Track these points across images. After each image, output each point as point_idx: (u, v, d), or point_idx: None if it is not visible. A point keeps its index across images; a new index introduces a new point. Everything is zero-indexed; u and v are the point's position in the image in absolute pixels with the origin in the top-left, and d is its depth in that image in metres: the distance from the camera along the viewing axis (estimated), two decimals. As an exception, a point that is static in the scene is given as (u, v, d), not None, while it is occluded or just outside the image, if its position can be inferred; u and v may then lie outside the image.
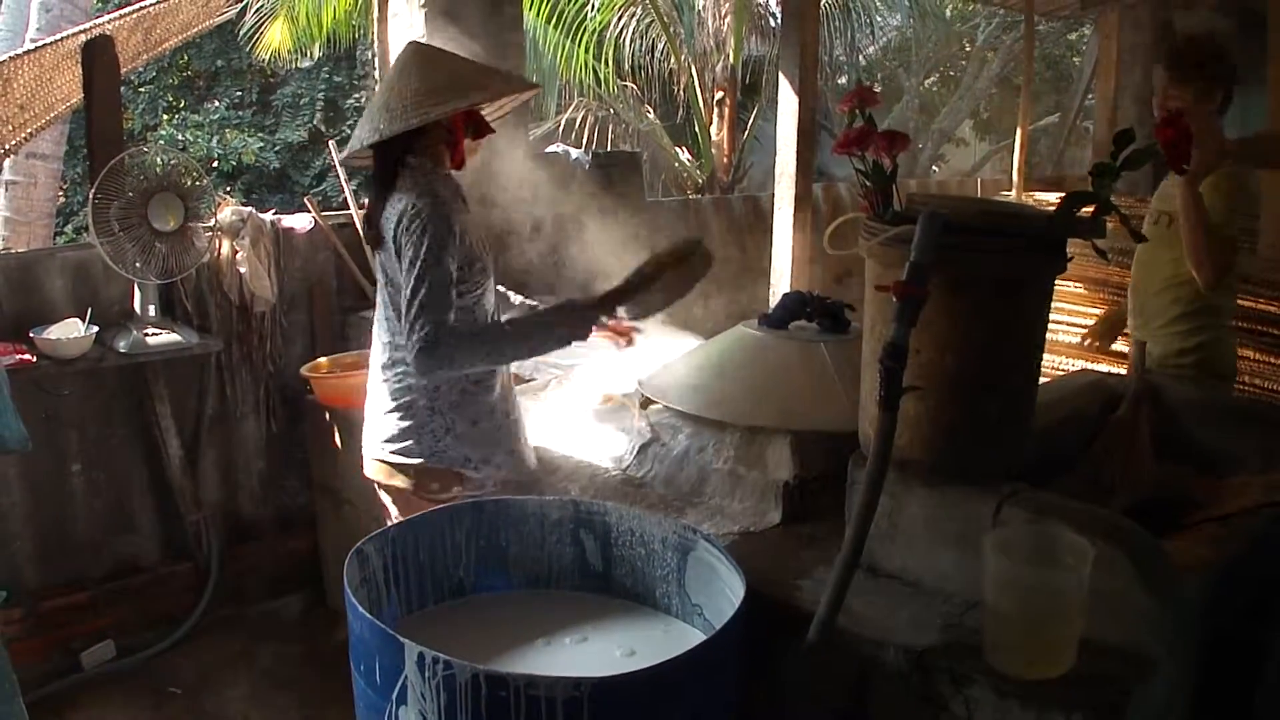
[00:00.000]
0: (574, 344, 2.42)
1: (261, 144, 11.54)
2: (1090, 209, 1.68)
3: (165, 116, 11.76)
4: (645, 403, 2.77)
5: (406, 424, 2.53)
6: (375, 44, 4.13)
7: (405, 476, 2.56)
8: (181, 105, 12.08)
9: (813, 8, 4.68)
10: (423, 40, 2.74)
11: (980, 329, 1.78)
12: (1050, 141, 7.53)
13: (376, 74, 4.20)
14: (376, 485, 2.66)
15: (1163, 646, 1.63)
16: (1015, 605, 1.57)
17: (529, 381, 3.40)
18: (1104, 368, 3.65)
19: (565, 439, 2.83)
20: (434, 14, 3.75)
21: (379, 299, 2.57)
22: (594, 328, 2.46)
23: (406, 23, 3.85)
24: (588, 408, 2.96)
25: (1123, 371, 3.37)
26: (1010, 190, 5.85)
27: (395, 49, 3.91)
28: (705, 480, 2.46)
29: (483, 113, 2.56)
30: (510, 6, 4.08)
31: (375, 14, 4.06)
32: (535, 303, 2.90)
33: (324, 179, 11.71)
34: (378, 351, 2.59)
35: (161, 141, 10.37)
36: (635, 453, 2.64)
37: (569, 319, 2.42)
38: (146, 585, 3.80)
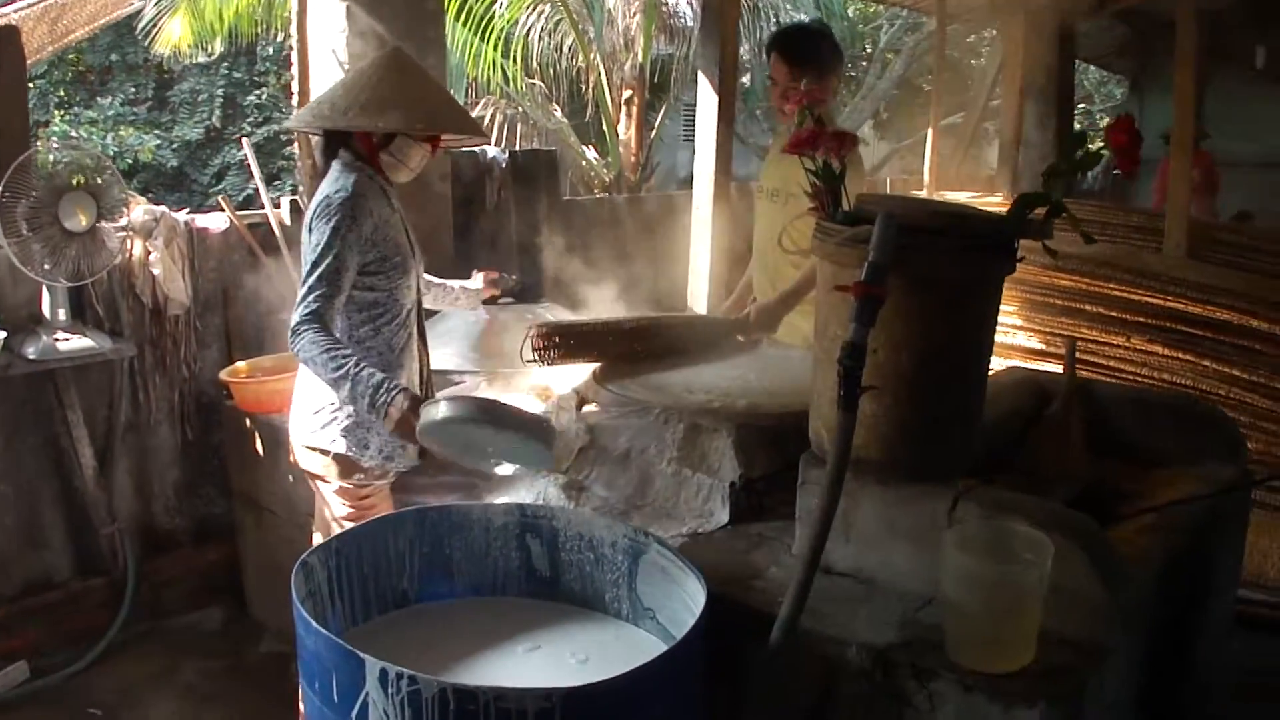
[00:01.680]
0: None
1: (158, 142, 11.25)
2: (1041, 211, 1.71)
3: (57, 113, 11.39)
4: (580, 403, 2.75)
5: (319, 409, 2.67)
6: (295, 36, 4.02)
7: (320, 461, 2.69)
8: (74, 101, 11.70)
9: (733, 6, 4.71)
10: (398, 48, 2.76)
11: (934, 328, 1.79)
12: (953, 141, 7.68)
13: (295, 65, 4.09)
14: (305, 472, 2.77)
15: (1114, 637, 1.67)
16: (978, 601, 1.59)
17: (459, 383, 3.36)
18: (1035, 365, 3.77)
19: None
20: (355, 6, 3.68)
21: None
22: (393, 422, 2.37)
23: (327, 16, 3.77)
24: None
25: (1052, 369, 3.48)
26: (922, 189, 5.97)
27: (316, 42, 3.84)
28: (649, 482, 2.43)
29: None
30: (431, 1, 4.02)
31: (296, 6, 3.96)
32: (445, 283, 3.18)
33: (223, 178, 11.48)
34: None
35: (54, 139, 10.01)
36: (574, 455, 2.62)
37: (383, 405, 2.33)
38: (59, 602, 3.67)
